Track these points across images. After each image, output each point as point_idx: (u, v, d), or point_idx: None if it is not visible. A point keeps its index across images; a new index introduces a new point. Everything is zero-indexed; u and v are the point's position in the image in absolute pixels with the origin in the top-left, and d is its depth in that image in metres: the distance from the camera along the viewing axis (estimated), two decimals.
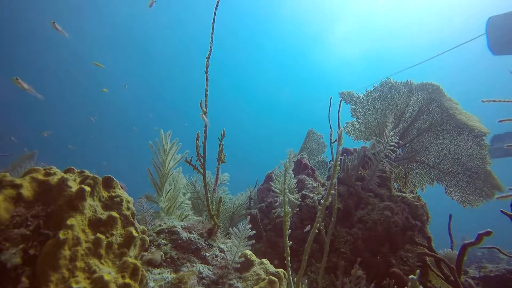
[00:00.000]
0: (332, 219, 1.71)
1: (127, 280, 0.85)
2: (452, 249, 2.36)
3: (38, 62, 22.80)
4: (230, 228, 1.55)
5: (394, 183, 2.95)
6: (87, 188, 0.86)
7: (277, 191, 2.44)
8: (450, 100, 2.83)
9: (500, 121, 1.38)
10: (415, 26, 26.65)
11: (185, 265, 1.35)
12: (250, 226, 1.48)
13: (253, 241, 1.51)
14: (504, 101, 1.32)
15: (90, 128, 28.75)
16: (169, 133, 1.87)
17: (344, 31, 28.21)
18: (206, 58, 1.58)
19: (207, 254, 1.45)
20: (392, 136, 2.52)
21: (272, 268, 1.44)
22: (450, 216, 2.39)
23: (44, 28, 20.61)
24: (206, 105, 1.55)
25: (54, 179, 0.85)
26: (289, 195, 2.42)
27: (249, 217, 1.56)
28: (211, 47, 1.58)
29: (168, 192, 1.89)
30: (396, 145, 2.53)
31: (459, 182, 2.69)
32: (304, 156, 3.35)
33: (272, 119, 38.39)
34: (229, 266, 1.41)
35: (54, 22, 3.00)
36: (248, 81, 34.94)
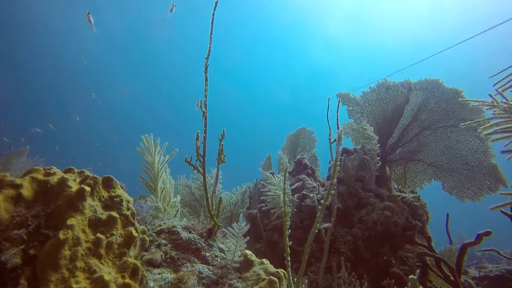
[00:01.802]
0: (332, 219, 1.71)
1: (127, 280, 0.85)
2: (450, 244, 2.37)
3: (38, 62, 22.84)
4: (224, 228, 1.56)
5: (394, 183, 2.95)
6: (87, 188, 0.86)
7: (270, 193, 2.45)
8: (453, 92, 2.75)
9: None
10: (409, 18, 26.85)
11: (185, 265, 1.35)
12: (244, 223, 1.49)
13: (248, 238, 1.51)
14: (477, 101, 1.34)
15: (91, 128, 28.79)
16: (151, 136, 1.94)
17: (339, 26, 28.56)
18: (206, 58, 1.58)
19: (207, 254, 1.45)
20: (374, 136, 2.54)
21: (272, 268, 1.44)
22: (447, 215, 2.39)
23: (44, 27, 20.63)
24: (205, 105, 1.55)
25: (54, 179, 0.85)
26: (283, 198, 2.42)
27: (241, 215, 1.57)
28: (210, 47, 1.58)
29: (162, 192, 1.91)
30: (378, 144, 2.55)
31: (457, 177, 2.67)
32: (304, 156, 3.35)
33: (270, 113, 38.88)
34: (229, 266, 1.41)
35: (89, 13, 3.03)
36: (246, 77, 35.28)
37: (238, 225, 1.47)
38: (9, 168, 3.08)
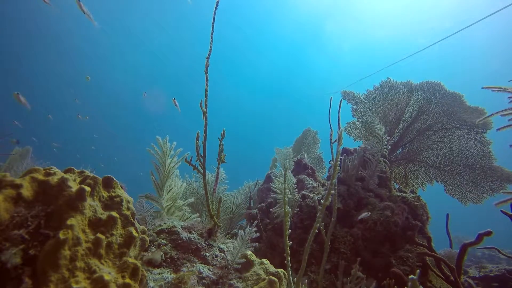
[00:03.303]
0: (332, 219, 1.71)
1: (127, 280, 0.85)
2: (451, 248, 2.37)
3: (40, 62, 22.88)
4: (238, 230, 1.55)
5: (394, 183, 2.95)
6: (87, 188, 0.86)
7: (277, 191, 2.45)
8: (454, 96, 2.76)
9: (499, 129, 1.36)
10: (405, 16, 26.81)
11: (185, 265, 1.35)
12: (255, 229, 1.49)
13: (257, 244, 1.51)
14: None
15: (91, 127, 28.84)
16: (166, 137, 1.95)
17: (335, 27, 28.63)
18: (206, 58, 1.58)
19: (207, 254, 1.45)
20: (385, 135, 2.53)
21: (272, 268, 1.44)
22: (447, 216, 2.39)
23: (46, 27, 20.62)
24: (206, 105, 1.55)
25: (54, 179, 0.85)
26: (289, 196, 2.42)
27: (255, 221, 1.57)
28: (211, 47, 1.58)
29: (169, 192, 1.91)
30: (389, 145, 2.54)
31: (459, 180, 2.67)
32: (304, 156, 3.35)
33: (272, 112, 39.03)
34: (229, 266, 1.41)
35: (79, 0, 2.64)
36: (248, 76, 35.27)
37: (249, 229, 1.47)
38: (15, 170, 3.08)
